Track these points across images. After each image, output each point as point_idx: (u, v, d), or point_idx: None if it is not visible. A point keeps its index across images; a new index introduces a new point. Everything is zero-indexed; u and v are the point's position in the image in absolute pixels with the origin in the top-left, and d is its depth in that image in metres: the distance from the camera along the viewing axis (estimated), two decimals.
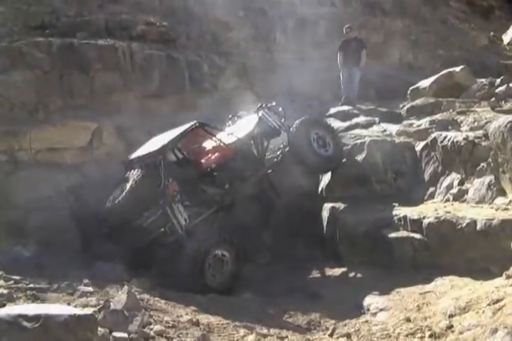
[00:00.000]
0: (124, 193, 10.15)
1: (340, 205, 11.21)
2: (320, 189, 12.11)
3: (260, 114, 11.68)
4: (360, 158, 11.61)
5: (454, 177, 10.21)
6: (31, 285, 8.00)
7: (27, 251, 10.12)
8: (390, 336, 7.38)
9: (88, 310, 6.18)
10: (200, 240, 9.98)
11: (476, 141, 9.82)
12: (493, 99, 12.21)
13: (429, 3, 22.37)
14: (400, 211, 10.10)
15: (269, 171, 11.78)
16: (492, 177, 9.25)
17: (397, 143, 11.72)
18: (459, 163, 10.07)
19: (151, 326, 6.75)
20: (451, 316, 7.32)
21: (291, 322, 8.50)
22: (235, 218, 11.18)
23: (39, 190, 11.27)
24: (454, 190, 9.99)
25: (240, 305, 8.93)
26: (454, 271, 8.65)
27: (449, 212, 9.20)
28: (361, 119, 13.82)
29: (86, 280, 8.56)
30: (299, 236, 11.67)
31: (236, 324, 7.66)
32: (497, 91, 12.74)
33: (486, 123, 10.40)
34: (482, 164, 9.55)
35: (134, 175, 10.34)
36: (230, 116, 12.30)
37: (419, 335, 7.18)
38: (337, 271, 10.61)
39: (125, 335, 6.04)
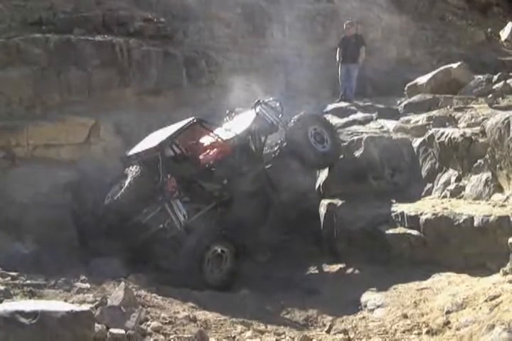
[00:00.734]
0: (122, 190, 10.16)
1: (338, 202, 11.22)
2: (317, 185, 12.11)
3: (258, 109, 11.66)
4: (357, 154, 11.61)
5: (451, 174, 10.21)
6: (28, 282, 8.00)
7: (25, 248, 10.10)
8: (387, 332, 7.39)
9: (85, 307, 6.17)
10: (199, 236, 10.01)
11: (473, 137, 9.82)
12: (491, 95, 12.20)
13: None
14: (398, 207, 10.11)
15: (267, 166, 11.78)
16: (489, 173, 9.26)
17: (394, 139, 11.72)
18: (456, 159, 10.07)
19: (148, 322, 6.75)
20: (448, 312, 7.33)
21: (288, 318, 8.52)
22: (234, 214, 11.17)
23: (36, 186, 11.25)
24: (451, 187, 10.00)
25: (238, 302, 8.93)
26: (451, 268, 8.68)
27: (446, 209, 9.22)
28: (359, 116, 13.83)
29: (83, 277, 8.57)
30: (296, 233, 11.69)
31: (233, 320, 7.67)
32: (494, 87, 12.75)
33: (483, 119, 10.39)
34: (479, 160, 9.55)
35: (133, 171, 10.34)
36: (228, 111, 12.29)
37: (416, 331, 7.19)
38: (334, 268, 10.63)
39: (122, 331, 6.04)
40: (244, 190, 11.27)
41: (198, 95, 14.78)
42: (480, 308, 6.95)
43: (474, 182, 9.53)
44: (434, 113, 12.22)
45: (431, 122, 11.70)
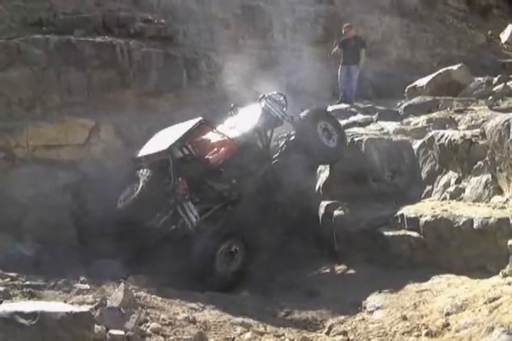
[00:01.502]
0: (136, 194, 10.18)
1: (338, 203, 11.21)
2: (317, 187, 12.10)
3: (263, 104, 11.67)
4: (357, 156, 11.60)
5: (451, 176, 10.21)
6: (28, 283, 7.99)
7: (24, 248, 10.10)
8: (386, 334, 7.40)
9: (85, 308, 6.17)
10: (210, 235, 10.13)
11: (473, 139, 9.81)
12: (491, 97, 12.22)
13: (427, 1, 22.37)
14: (397, 209, 10.10)
15: (273, 162, 11.82)
16: (489, 175, 9.25)
17: (394, 141, 11.70)
18: (456, 161, 10.07)
19: (148, 323, 6.75)
20: (447, 314, 7.34)
21: (288, 319, 8.52)
22: (243, 213, 11.20)
23: (36, 187, 11.26)
24: (451, 189, 9.99)
25: (238, 303, 8.93)
26: (451, 270, 8.68)
27: (446, 211, 9.21)
28: (359, 117, 13.82)
29: (82, 278, 8.56)
30: (296, 234, 11.69)
31: (233, 321, 7.67)
32: (494, 89, 12.77)
33: (483, 121, 10.40)
34: (479, 162, 9.55)
35: (144, 175, 10.35)
36: (232, 105, 12.17)
37: (415, 333, 7.19)
38: (334, 269, 10.63)
39: (121, 333, 6.04)
40: (252, 189, 11.33)
41: (198, 96, 14.78)
42: (479, 310, 6.95)
43: (474, 184, 9.53)
44: (434, 115, 12.23)
45: (431, 124, 11.70)
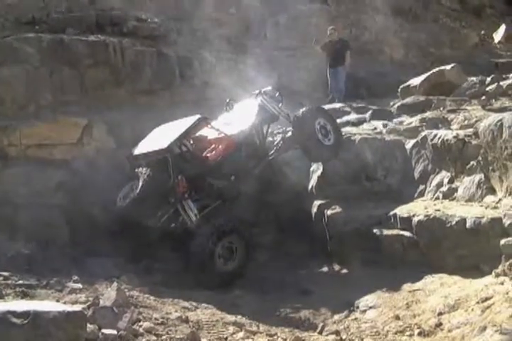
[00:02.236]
0: (137, 192, 10.17)
1: (330, 203, 11.21)
2: (310, 186, 12.10)
3: (259, 101, 11.71)
4: (350, 155, 11.61)
5: (444, 176, 10.21)
6: (20, 282, 7.98)
7: (17, 247, 10.08)
8: (379, 333, 7.41)
9: (77, 307, 6.16)
10: (209, 232, 10.10)
11: (466, 139, 9.82)
12: (484, 97, 12.22)
13: (420, 1, 22.39)
14: (390, 209, 10.11)
15: (271, 158, 11.88)
16: (482, 175, 9.26)
17: (387, 140, 11.70)
18: (449, 161, 10.08)
19: (140, 323, 6.74)
20: (440, 314, 7.36)
21: (281, 319, 8.52)
22: (241, 210, 11.23)
23: (29, 186, 11.26)
24: (444, 188, 10.00)
25: (230, 302, 8.94)
26: (444, 269, 8.69)
27: (438, 210, 9.22)
28: (352, 117, 13.80)
29: (75, 277, 8.55)
30: (289, 233, 11.68)
31: (225, 321, 7.67)
32: (487, 89, 12.76)
33: (476, 121, 10.41)
34: (472, 162, 9.55)
35: (143, 173, 10.35)
36: (228, 100, 12.04)
37: (408, 333, 7.21)
38: (327, 269, 10.64)
39: (114, 332, 6.03)
40: (251, 185, 11.37)
41: (191, 95, 14.76)
42: (472, 310, 6.97)
43: (467, 183, 9.54)
44: (427, 114, 12.23)
45: (424, 124, 11.70)
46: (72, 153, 12.51)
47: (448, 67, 14.43)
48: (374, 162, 11.38)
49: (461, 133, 10.13)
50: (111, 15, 15.48)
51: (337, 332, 7.63)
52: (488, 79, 13.50)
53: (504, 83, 12.73)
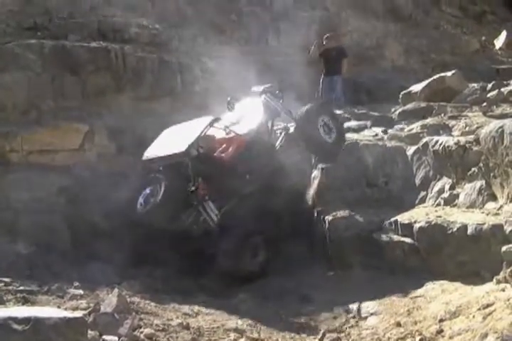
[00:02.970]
0: (160, 196, 10.25)
1: (331, 208, 11.20)
2: (311, 192, 12.07)
3: (263, 98, 11.84)
4: (351, 161, 11.61)
5: (445, 182, 10.21)
6: (21, 288, 7.99)
7: (18, 252, 10.08)
8: (380, 340, 7.40)
9: (78, 313, 6.18)
10: (233, 231, 10.43)
11: (467, 145, 9.81)
12: (485, 103, 12.22)
13: (421, 7, 22.44)
14: (391, 215, 10.10)
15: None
16: (483, 182, 9.25)
17: (388, 147, 11.70)
18: (450, 167, 10.07)
19: (141, 329, 6.75)
20: (441, 321, 7.34)
21: (281, 325, 8.49)
22: (256, 209, 11.28)
23: (30, 192, 11.25)
24: (445, 195, 9.99)
25: (231, 309, 8.92)
26: (445, 276, 8.67)
27: (439, 217, 9.20)
28: (353, 123, 13.81)
29: (76, 283, 8.56)
30: (290, 238, 11.67)
31: (226, 327, 7.67)
32: (489, 96, 12.76)
33: (478, 128, 10.41)
34: (473, 169, 9.55)
35: (163, 177, 10.41)
36: (229, 99, 11.96)
37: (409, 340, 7.19)
38: (328, 275, 10.61)
39: (115, 338, 6.05)
40: (265, 182, 11.45)
41: (192, 101, 14.76)
42: (473, 317, 6.95)
43: (468, 190, 9.53)
44: (428, 121, 12.23)
45: (425, 130, 11.71)
46: (74, 158, 12.51)
47: (449, 73, 14.43)
48: (375, 168, 11.38)
49: (462, 139, 10.12)
50: (113, 21, 15.50)
51: (338, 339, 7.62)
52: (489, 85, 13.50)
53: (505, 89, 12.73)
